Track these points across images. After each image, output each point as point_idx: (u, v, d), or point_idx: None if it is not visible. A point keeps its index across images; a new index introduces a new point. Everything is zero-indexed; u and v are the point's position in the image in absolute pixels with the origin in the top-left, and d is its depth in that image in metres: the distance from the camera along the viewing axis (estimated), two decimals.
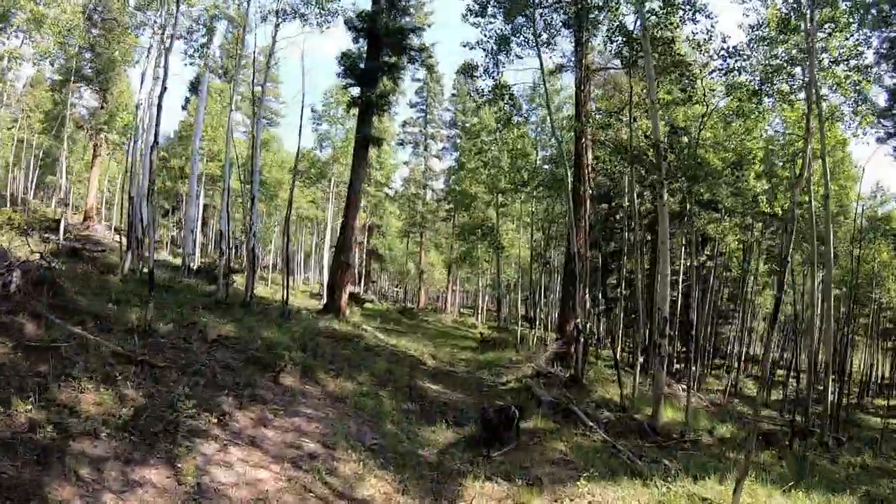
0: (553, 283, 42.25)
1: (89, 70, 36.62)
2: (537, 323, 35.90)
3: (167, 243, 45.71)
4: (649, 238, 29.25)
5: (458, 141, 46.95)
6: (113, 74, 36.75)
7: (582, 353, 14.36)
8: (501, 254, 35.16)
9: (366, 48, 21.06)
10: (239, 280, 20.46)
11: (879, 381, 41.47)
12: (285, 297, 15.60)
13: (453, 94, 60.52)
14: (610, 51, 17.05)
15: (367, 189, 39.51)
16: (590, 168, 17.90)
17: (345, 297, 19.80)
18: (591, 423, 10.48)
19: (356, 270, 56.22)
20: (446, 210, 54.18)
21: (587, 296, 14.58)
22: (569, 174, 14.53)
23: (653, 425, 11.28)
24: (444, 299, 59.08)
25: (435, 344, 21.86)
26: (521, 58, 15.52)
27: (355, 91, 20.99)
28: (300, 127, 16.45)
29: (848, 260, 26.41)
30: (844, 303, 28.06)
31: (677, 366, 29.30)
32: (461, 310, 60.22)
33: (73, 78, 32.03)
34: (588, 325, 14.68)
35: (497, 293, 37.15)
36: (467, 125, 40.38)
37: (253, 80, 17.42)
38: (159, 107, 13.03)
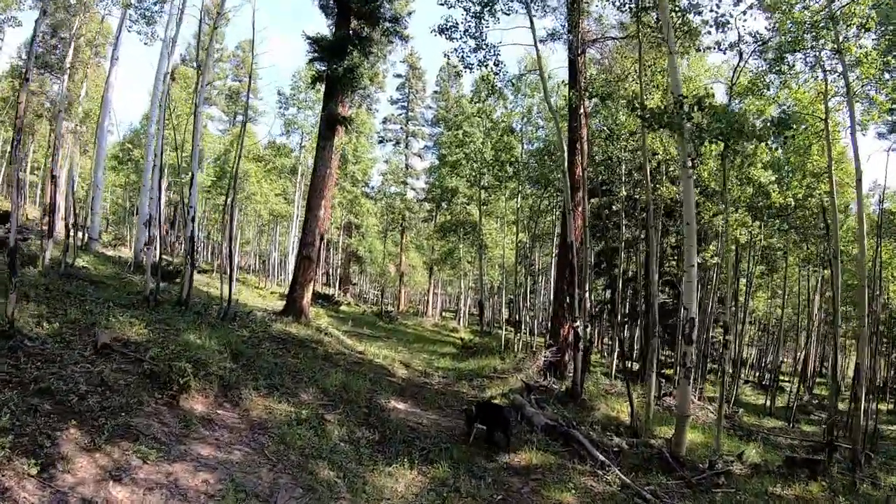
0: (538, 286, 40.09)
1: (53, 57, 33.90)
2: (523, 327, 33.71)
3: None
4: (643, 235, 27.19)
5: (441, 138, 44.76)
6: (77, 61, 34.04)
7: (582, 363, 12.02)
8: (484, 254, 32.87)
9: (335, 19, 18.70)
10: (204, 279, 17.91)
11: (882, 385, 39.89)
12: (228, 295, 13.08)
13: (435, 91, 58.47)
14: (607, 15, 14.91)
15: (343, 185, 37.03)
16: (586, 148, 15.63)
17: (307, 296, 17.27)
18: (600, 457, 8.13)
19: (338, 273, 54.05)
20: (427, 210, 52.08)
21: (587, 294, 12.28)
22: (565, 146, 12.22)
23: (675, 454, 8.96)
24: (425, 302, 56.78)
25: (410, 350, 19.45)
26: (508, 14, 13.19)
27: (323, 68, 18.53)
28: (248, 83, 13.71)
29: (852, 259, 24.64)
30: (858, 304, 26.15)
31: (667, 371, 27.30)
32: (443, 313, 57.91)
33: (33, 64, 28.94)
34: (584, 328, 12.31)
35: (480, 296, 34.74)
36: (449, 118, 38.12)
37: (198, 45, 14.87)
38: (107, 83, 10.81)
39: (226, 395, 7.41)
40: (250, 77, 15.95)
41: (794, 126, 11.12)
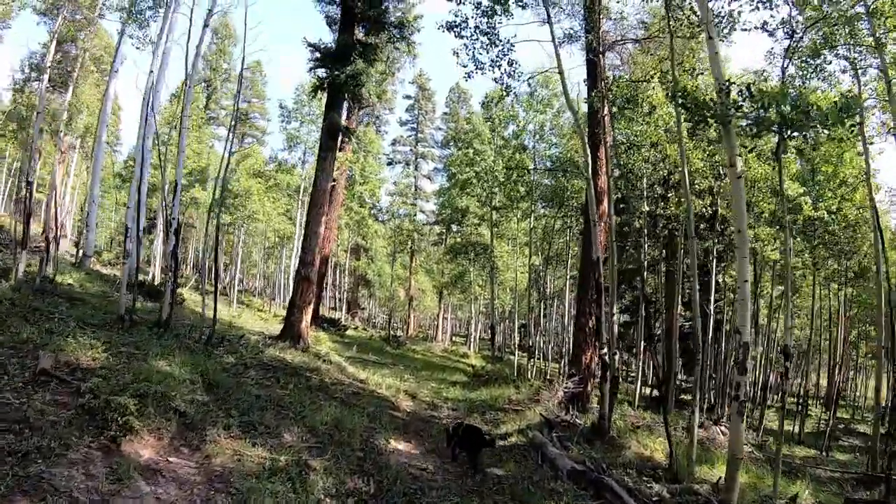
0: (550, 310, 38.50)
1: (55, 71, 33.31)
2: (536, 353, 32.11)
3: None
4: (663, 254, 25.75)
5: (451, 157, 43.82)
6: (80, 73, 33.45)
7: (610, 395, 10.57)
8: (496, 277, 31.47)
9: (339, 26, 17.76)
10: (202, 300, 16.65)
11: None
12: (213, 317, 11.81)
13: (445, 113, 57.78)
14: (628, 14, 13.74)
15: (350, 205, 35.96)
16: (609, 153, 14.34)
17: (305, 319, 15.96)
18: None
19: (345, 296, 52.74)
20: (437, 234, 50.89)
21: (615, 316, 10.86)
22: (588, 151, 10.92)
23: (726, 503, 7.52)
24: (434, 327, 55.32)
25: (418, 378, 18.02)
26: (524, 7, 12.01)
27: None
28: (240, 77, 12.36)
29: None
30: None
31: (685, 396, 25.55)
32: (453, 338, 56.30)
33: (38, 75, 28.12)
34: (612, 356, 10.91)
35: (491, 320, 33.24)
36: (459, 136, 37.09)
37: (187, 46, 13.74)
38: (105, 96, 9.79)
39: (186, 436, 6.08)
40: (243, 64, 14.83)
41: (860, 111, 9.80)
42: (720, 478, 8.46)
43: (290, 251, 50.14)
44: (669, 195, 19.95)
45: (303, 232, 17.05)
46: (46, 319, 9.42)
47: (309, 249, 15.96)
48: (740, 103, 7.34)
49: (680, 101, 7.70)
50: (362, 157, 36.26)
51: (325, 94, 17.46)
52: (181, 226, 11.47)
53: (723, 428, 15.06)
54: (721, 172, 18.72)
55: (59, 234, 14.24)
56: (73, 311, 10.78)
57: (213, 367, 8.89)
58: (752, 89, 7.27)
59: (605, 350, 10.50)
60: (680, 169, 10.51)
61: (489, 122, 30.79)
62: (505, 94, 12.70)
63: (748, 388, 23.51)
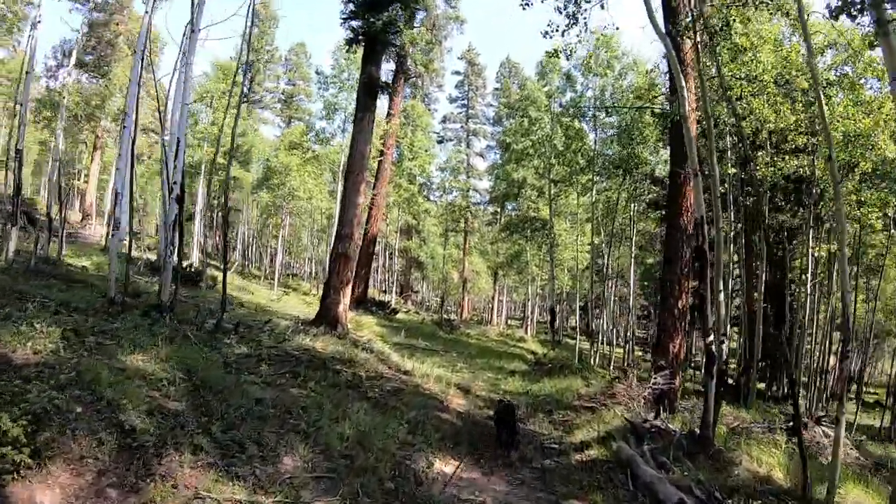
0: (611, 291, 35.69)
1: (89, 56, 32.57)
2: (600, 337, 29.51)
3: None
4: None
5: (505, 126, 41.31)
6: (113, 58, 32.60)
7: (715, 397, 8.16)
8: (555, 253, 28.99)
9: None
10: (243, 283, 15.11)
11: None
12: (222, 299, 9.97)
13: (496, 88, 55.17)
14: None
15: (400, 182, 34.02)
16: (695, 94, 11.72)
17: (343, 301, 14.00)
18: None
19: (396, 278, 51.12)
20: (491, 213, 48.65)
21: (722, 293, 8.38)
22: (680, 76, 8.41)
23: None
24: (489, 310, 53.24)
25: (471, 367, 15.96)
26: None
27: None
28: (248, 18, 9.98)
29: None
30: None
31: (772, 391, 22.53)
32: (508, 321, 54.05)
33: (70, 60, 27.20)
34: (719, 344, 8.47)
35: (550, 302, 30.78)
36: (512, 103, 34.63)
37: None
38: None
39: (127, 466, 4.13)
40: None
41: None
42: None
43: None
44: (759, 154, 17.00)
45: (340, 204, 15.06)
46: (21, 302, 7.76)
47: (347, 222, 13.98)
48: None
49: None
50: (410, 133, 34.22)
51: (362, 50, 15.41)
52: (185, 192, 9.63)
53: (824, 429, 12.34)
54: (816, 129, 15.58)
55: (62, 212, 12.78)
56: (63, 295, 9.16)
57: (209, 361, 7.00)
58: None
59: (711, 337, 8.09)
60: (812, 99, 7.91)
61: (546, 88, 28.19)
62: (571, 23, 10.24)
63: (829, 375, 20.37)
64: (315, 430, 5.96)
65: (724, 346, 9.91)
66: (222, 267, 11.12)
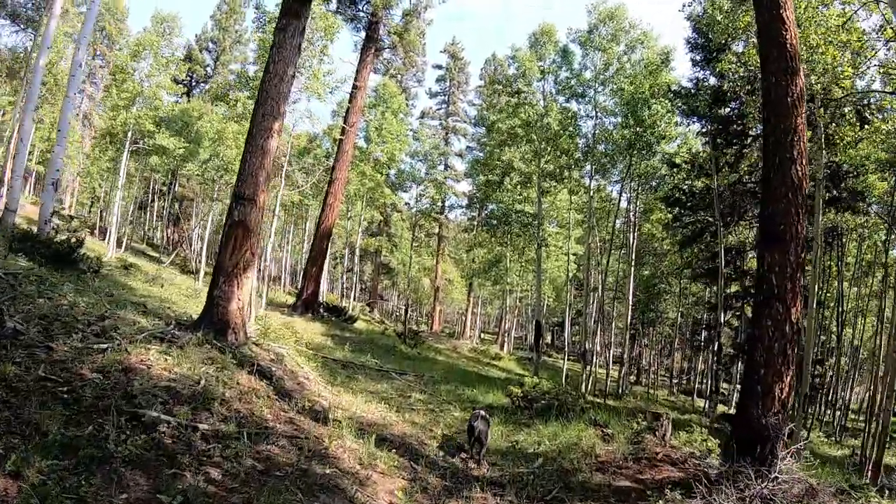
0: (605, 307, 31.27)
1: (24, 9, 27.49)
2: (593, 359, 24.92)
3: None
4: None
5: (491, 101, 37.00)
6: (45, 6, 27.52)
7: None
8: (543, 256, 24.52)
9: None
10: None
11: None
12: None
13: (479, 86, 50.84)
14: None
15: (363, 169, 29.23)
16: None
17: (238, 295, 8.98)
18: None
19: (368, 287, 46.30)
20: (468, 219, 44.61)
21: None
22: None
23: None
24: (462, 322, 48.86)
25: (433, 398, 11.26)
26: None
27: None
28: None
29: None
30: None
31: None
32: (482, 335, 49.39)
33: None
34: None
35: (536, 314, 26.09)
36: (496, 80, 30.36)
37: None
38: None
39: None
40: None
41: None
42: None
43: (298, 229, 44.06)
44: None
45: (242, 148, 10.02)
46: None
47: (248, 175, 9.03)
48: None
49: None
50: (380, 114, 29.57)
51: None
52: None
53: None
54: None
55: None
56: None
57: None
58: None
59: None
60: None
61: (539, 64, 23.85)
62: None
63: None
64: None
65: None
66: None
